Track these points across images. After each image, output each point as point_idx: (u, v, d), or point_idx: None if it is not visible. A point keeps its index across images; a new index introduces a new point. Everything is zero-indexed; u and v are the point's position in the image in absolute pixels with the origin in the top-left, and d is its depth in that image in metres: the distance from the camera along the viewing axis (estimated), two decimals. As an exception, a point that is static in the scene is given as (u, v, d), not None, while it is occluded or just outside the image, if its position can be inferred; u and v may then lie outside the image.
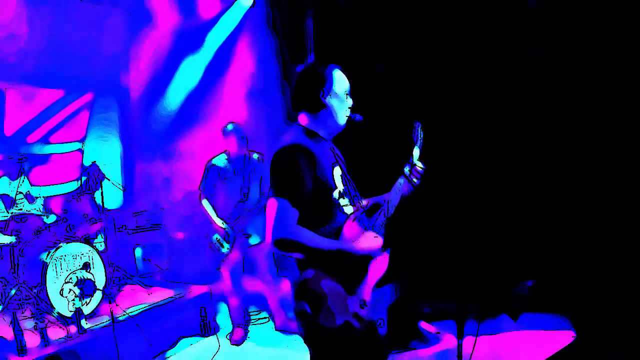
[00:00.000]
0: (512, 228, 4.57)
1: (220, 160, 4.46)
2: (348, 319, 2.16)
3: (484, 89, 4.52)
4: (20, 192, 4.46)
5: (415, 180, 2.43)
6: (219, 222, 4.38)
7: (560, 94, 4.38)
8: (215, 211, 4.44)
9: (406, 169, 2.43)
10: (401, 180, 2.43)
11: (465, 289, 4.42)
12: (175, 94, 6.05)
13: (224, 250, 4.36)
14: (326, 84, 2.30)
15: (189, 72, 6.04)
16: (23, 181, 4.54)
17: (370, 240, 2.22)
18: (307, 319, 2.19)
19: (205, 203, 4.45)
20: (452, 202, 4.53)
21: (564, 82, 4.36)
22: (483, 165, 4.59)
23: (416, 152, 2.47)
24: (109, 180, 4.95)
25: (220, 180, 4.44)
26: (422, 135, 2.50)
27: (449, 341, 4.23)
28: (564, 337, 4.11)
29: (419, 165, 2.44)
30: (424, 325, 4.55)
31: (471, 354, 3.51)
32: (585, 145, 4.28)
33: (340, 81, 2.34)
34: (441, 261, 4.63)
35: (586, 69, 4.21)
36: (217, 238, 4.38)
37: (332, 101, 2.31)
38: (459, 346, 3.44)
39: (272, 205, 2.15)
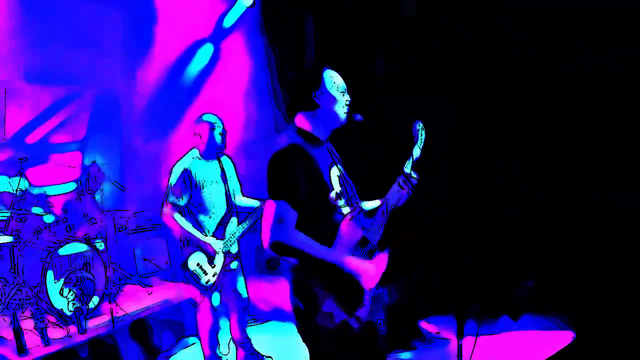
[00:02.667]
0: (512, 228, 4.57)
1: (193, 162, 3.52)
2: (345, 319, 2.16)
3: (484, 87, 4.53)
4: (20, 190, 4.44)
5: (408, 191, 2.38)
6: (210, 239, 3.46)
7: (558, 93, 4.39)
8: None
9: (400, 180, 2.38)
10: (397, 187, 2.39)
11: (466, 289, 4.43)
12: (177, 94, 6.06)
13: (210, 277, 3.47)
14: (318, 85, 2.30)
15: (190, 72, 6.05)
16: (21, 181, 4.53)
17: (361, 263, 2.20)
18: (305, 319, 2.20)
19: (178, 218, 3.45)
20: (452, 202, 4.54)
21: (561, 82, 4.37)
22: (483, 165, 4.60)
23: (416, 151, 2.47)
24: (109, 180, 4.95)
25: (196, 189, 3.48)
26: (422, 134, 2.49)
27: (449, 341, 4.23)
28: (564, 337, 4.10)
29: (413, 175, 2.39)
30: (424, 325, 4.55)
31: (471, 354, 3.51)
32: (585, 145, 4.29)
33: (332, 80, 2.34)
34: (441, 261, 4.64)
35: (582, 67, 4.22)
36: (198, 264, 3.45)
37: (326, 101, 2.31)
38: (459, 346, 3.44)
39: (269, 207, 2.15)
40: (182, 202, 3.48)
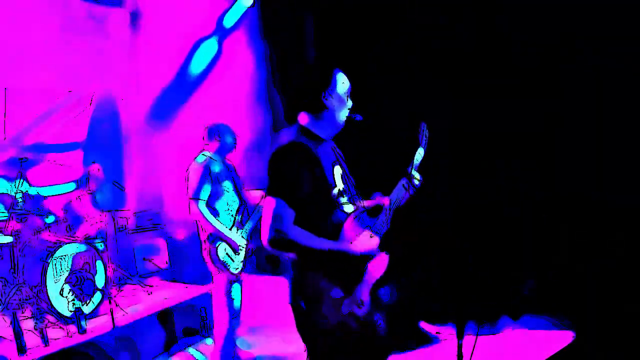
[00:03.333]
0: (512, 228, 4.57)
1: (209, 160, 3.79)
2: (344, 318, 2.16)
3: (484, 87, 4.52)
4: (20, 191, 4.44)
5: (411, 191, 2.41)
6: (234, 235, 3.71)
7: (558, 93, 4.39)
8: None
9: (403, 181, 2.40)
10: (400, 189, 2.41)
11: (466, 289, 4.42)
12: (177, 93, 6.06)
13: (237, 264, 3.71)
14: (329, 86, 2.31)
15: (192, 71, 6.05)
16: (22, 182, 4.53)
17: (367, 242, 2.22)
18: (303, 317, 2.21)
19: (206, 213, 3.65)
20: (452, 202, 4.54)
21: (561, 82, 4.37)
22: (483, 165, 4.59)
23: (420, 152, 2.47)
24: (109, 180, 4.95)
25: (215, 184, 3.75)
26: (427, 136, 2.50)
27: (449, 341, 4.23)
28: (564, 337, 4.10)
29: (417, 177, 2.41)
30: (424, 325, 4.55)
31: (471, 354, 3.51)
32: (585, 145, 4.28)
33: (342, 83, 2.35)
34: (441, 261, 4.63)
35: (582, 67, 4.22)
36: (227, 253, 3.68)
37: (333, 102, 2.31)
38: (459, 346, 3.44)
39: (268, 204, 2.16)
40: (205, 195, 3.69)
